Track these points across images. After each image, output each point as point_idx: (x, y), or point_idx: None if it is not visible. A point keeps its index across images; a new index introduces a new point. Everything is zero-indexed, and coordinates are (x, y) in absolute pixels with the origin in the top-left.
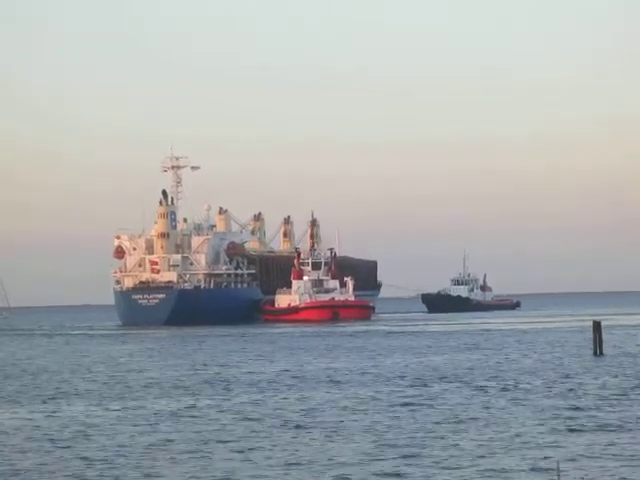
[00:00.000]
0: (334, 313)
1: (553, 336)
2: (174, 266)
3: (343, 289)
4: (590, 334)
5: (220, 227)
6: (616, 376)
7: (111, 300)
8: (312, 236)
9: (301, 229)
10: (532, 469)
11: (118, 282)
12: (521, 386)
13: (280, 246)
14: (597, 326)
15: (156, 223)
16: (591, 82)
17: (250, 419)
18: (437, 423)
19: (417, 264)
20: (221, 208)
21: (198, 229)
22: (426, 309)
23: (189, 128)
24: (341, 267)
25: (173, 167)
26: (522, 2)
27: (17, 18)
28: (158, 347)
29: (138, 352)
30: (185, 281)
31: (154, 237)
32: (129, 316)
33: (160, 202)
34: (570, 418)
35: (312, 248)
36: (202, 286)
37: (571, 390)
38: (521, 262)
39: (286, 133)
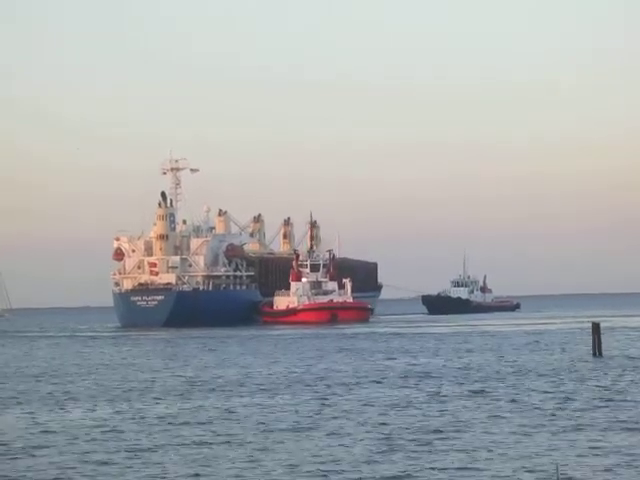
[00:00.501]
0: (332, 315)
1: (552, 337)
2: (173, 268)
3: (341, 291)
4: (589, 335)
5: (219, 229)
6: (614, 377)
7: (111, 302)
8: (312, 238)
9: (301, 231)
10: (531, 471)
11: (117, 284)
12: (519, 387)
13: (280, 248)
14: (596, 328)
15: (155, 225)
16: (591, 82)
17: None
18: (436, 425)
19: (417, 266)
20: (220, 210)
21: (197, 231)
22: (426, 310)
23: (189, 130)
24: (342, 269)
25: (172, 169)
26: (522, 2)
27: (17, 18)
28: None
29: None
30: (184, 283)
31: (153, 239)
32: (128, 318)
33: (159, 204)
34: (569, 419)
35: (311, 250)
36: (201, 288)
37: (569, 391)
38: (521, 264)
39: (286, 135)
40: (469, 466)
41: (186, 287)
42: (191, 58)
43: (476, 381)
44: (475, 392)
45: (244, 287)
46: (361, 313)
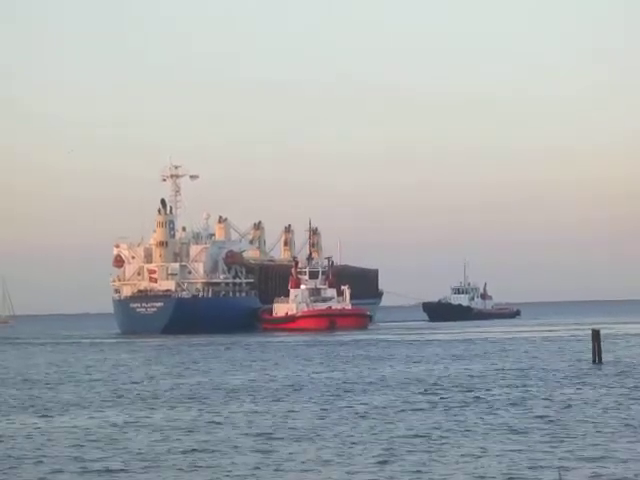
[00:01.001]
0: (331, 322)
1: (553, 344)
2: (172, 275)
3: (340, 298)
4: (589, 342)
5: (219, 236)
6: (614, 384)
7: (110, 309)
8: (312, 245)
9: (302, 238)
10: (535, 478)
11: (117, 291)
12: (520, 394)
13: (281, 255)
14: (596, 334)
15: (155, 232)
16: (591, 82)
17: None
18: (437, 430)
19: (418, 273)
20: (220, 217)
21: (197, 238)
22: (427, 318)
23: (189, 135)
24: (343, 276)
25: (172, 176)
26: (522, 2)
27: (17, 18)
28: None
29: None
30: (183, 290)
31: (153, 246)
32: (128, 324)
33: (159, 211)
34: (568, 425)
35: (310, 257)
36: (200, 295)
37: (569, 398)
38: (521, 271)
39: (287, 141)
40: (474, 472)
41: (185, 294)
42: (191, 58)
43: (474, 388)
44: (473, 399)
45: (243, 294)
46: (360, 320)
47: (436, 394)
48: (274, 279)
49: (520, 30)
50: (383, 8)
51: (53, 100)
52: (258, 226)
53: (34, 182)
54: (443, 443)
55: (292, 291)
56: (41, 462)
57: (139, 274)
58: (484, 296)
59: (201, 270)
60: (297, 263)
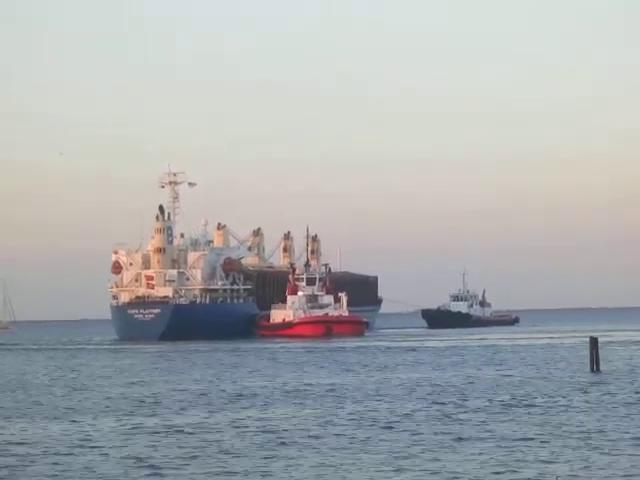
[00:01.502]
0: (327, 328)
1: (551, 352)
2: (170, 281)
3: (337, 304)
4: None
5: (218, 242)
6: (612, 392)
7: (108, 315)
8: (313, 251)
9: (302, 244)
10: None
11: (115, 297)
12: (518, 402)
13: (280, 261)
14: (594, 342)
15: (153, 238)
16: (591, 83)
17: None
18: (432, 438)
19: (417, 279)
20: (219, 223)
21: (195, 244)
22: (426, 325)
23: (189, 136)
24: (342, 283)
25: (170, 183)
26: (522, 2)
27: (17, 18)
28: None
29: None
30: (181, 296)
31: (151, 252)
32: (125, 331)
33: (157, 217)
34: (567, 434)
35: (307, 264)
36: (198, 301)
37: (568, 405)
38: (520, 278)
39: (286, 147)
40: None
41: (183, 300)
42: (191, 59)
43: (471, 395)
44: (470, 407)
45: (241, 300)
46: (356, 327)
47: (426, 399)
48: (272, 285)
49: (520, 30)
50: (383, 8)
51: (53, 100)
52: (257, 232)
53: (34, 187)
54: (440, 448)
55: (289, 298)
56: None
57: (137, 280)
58: (483, 303)
59: (199, 276)
60: (294, 270)
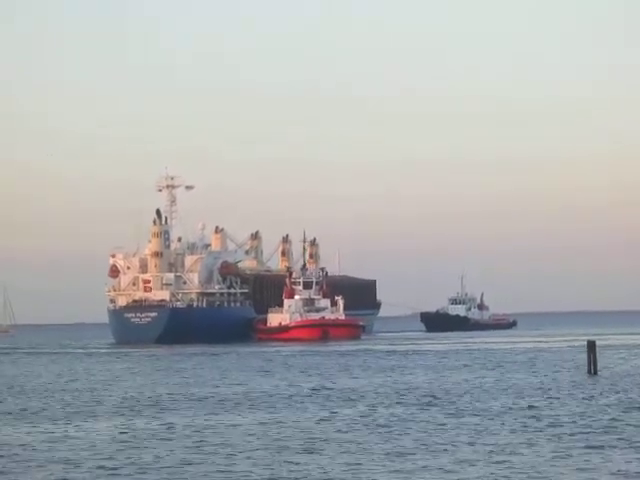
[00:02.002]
0: (324, 332)
1: (548, 355)
2: (167, 285)
3: (334, 308)
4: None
5: (216, 246)
6: (609, 395)
7: (106, 318)
8: (311, 255)
9: (300, 248)
10: None
11: (112, 301)
12: (515, 405)
13: (278, 265)
14: (592, 346)
15: (150, 242)
16: (591, 83)
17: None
18: (430, 443)
19: (416, 283)
20: (217, 227)
21: (192, 248)
22: (425, 328)
23: (189, 136)
24: (341, 286)
25: (168, 186)
26: (522, 2)
27: (17, 18)
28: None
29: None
30: (178, 300)
31: (148, 256)
32: (122, 334)
33: (154, 221)
34: (565, 437)
35: (304, 267)
36: (195, 305)
37: (562, 409)
38: (518, 281)
39: (286, 151)
40: None
41: (180, 304)
42: (191, 59)
43: (468, 400)
44: (467, 412)
45: (238, 304)
46: (353, 330)
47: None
48: (269, 289)
49: (520, 30)
50: (383, 8)
51: (53, 100)
52: (255, 236)
53: (34, 190)
54: (443, 450)
55: (286, 301)
56: None
57: (134, 284)
58: (481, 307)
59: (196, 280)
60: (291, 273)
